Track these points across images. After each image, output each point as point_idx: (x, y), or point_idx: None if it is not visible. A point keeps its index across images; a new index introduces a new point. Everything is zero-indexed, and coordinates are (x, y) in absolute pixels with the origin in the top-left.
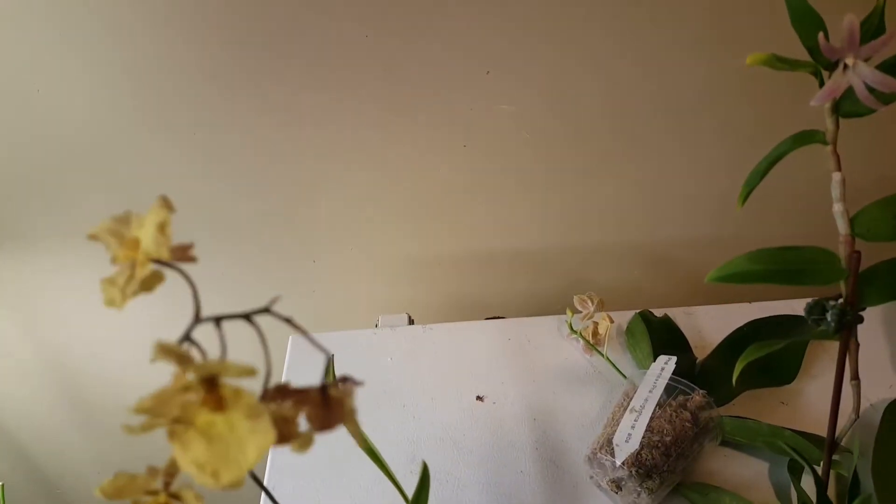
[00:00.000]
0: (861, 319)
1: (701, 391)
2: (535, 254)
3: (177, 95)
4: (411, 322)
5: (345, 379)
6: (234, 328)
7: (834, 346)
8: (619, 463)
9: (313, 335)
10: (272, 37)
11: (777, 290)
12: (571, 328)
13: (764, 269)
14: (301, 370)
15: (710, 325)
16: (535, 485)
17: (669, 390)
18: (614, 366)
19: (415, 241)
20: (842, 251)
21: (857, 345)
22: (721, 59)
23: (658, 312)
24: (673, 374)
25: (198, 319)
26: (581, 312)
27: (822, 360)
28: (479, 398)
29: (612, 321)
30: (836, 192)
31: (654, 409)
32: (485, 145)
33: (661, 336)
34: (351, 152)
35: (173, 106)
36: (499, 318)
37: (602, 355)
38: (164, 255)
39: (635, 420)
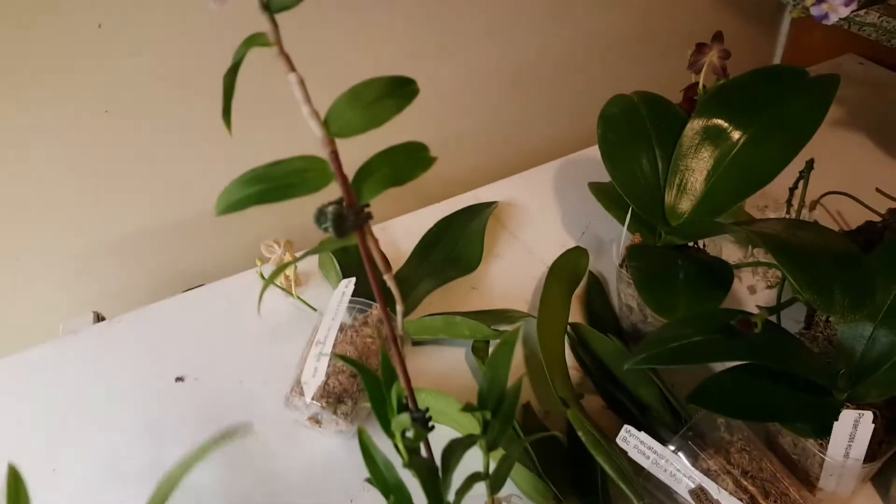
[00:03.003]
0: (367, 218)
1: (377, 304)
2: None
3: None
4: (100, 319)
5: None
6: None
7: (513, 224)
8: (309, 400)
9: None
10: None
11: (465, 182)
12: (263, 277)
13: (258, 190)
14: None
15: (405, 235)
16: (255, 448)
17: (355, 314)
18: (308, 304)
19: (79, 230)
20: (325, 154)
21: (376, 240)
22: None
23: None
24: (364, 293)
25: None
26: (270, 259)
27: (502, 238)
28: (178, 379)
29: (294, 258)
30: (297, 93)
31: (337, 336)
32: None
33: (356, 258)
34: None
35: None
36: (199, 286)
37: (294, 297)
38: None
39: (320, 352)
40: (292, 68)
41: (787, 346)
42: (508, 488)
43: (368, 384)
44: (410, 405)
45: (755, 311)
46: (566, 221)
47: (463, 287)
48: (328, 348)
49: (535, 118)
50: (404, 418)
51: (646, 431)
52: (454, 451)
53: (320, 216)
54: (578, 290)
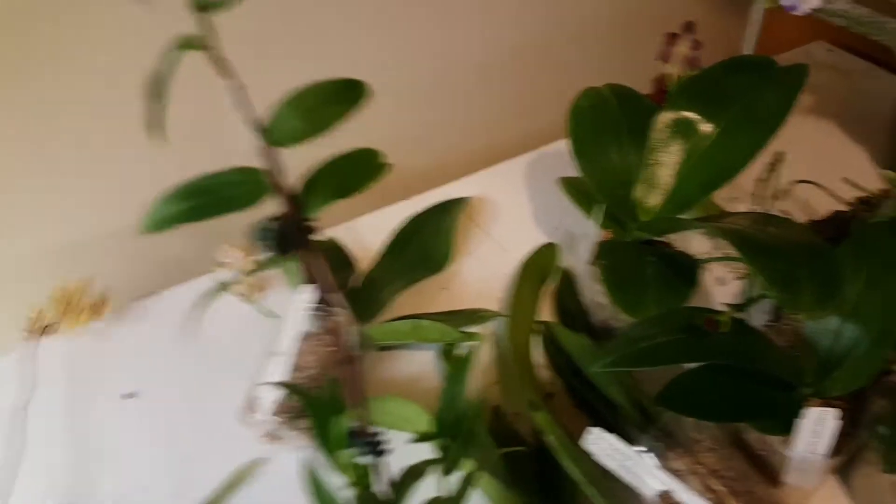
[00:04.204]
0: (312, 233)
1: (342, 311)
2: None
3: None
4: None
5: None
6: None
7: (485, 220)
8: (266, 415)
9: None
10: None
11: (438, 176)
12: (221, 284)
13: (188, 206)
14: None
15: (374, 234)
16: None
17: (318, 321)
18: (268, 312)
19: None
20: (265, 164)
21: (318, 255)
22: None
23: (321, 237)
24: (335, 295)
25: None
26: (229, 264)
27: (474, 235)
28: (128, 395)
29: (255, 264)
30: (234, 100)
31: (297, 346)
32: None
33: (329, 260)
34: None
35: None
36: (151, 294)
37: (254, 303)
38: None
39: (279, 363)
40: (229, 74)
41: (754, 343)
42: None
43: (311, 412)
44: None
45: (725, 301)
46: (539, 217)
47: (433, 287)
48: (288, 360)
49: (508, 110)
50: (348, 454)
51: (615, 431)
52: (408, 479)
53: (261, 233)
54: (550, 288)
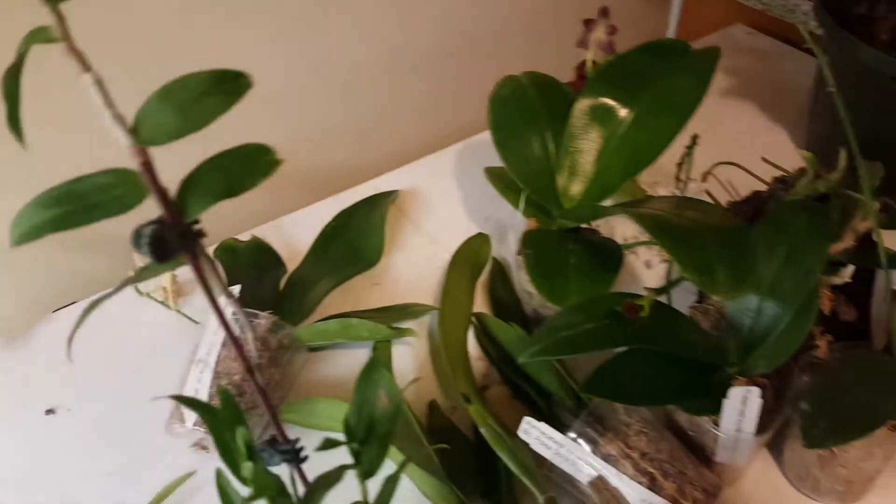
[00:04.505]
0: (196, 238)
1: (264, 313)
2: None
3: None
4: None
5: None
6: None
7: (416, 213)
8: (190, 425)
9: None
10: None
11: (368, 170)
12: (139, 291)
13: (55, 214)
14: None
15: (302, 232)
16: (139, 480)
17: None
18: (189, 318)
19: None
20: (136, 164)
21: (211, 261)
22: None
23: (244, 236)
24: (252, 301)
25: None
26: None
27: (405, 229)
28: (49, 411)
29: (173, 269)
30: (95, 96)
31: (220, 352)
32: None
33: (251, 260)
34: None
35: None
36: (69, 305)
37: (174, 309)
38: None
39: (201, 371)
40: (86, 67)
41: (677, 326)
42: (412, 494)
43: (209, 425)
44: (279, 437)
45: (651, 284)
46: (470, 207)
47: (365, 283)
48: (210, 367)
49: (437, 102)
50: (250, 467)
51: (550, 419)
52: (320, 487)
53: (137, 238)
54: (483, 278)
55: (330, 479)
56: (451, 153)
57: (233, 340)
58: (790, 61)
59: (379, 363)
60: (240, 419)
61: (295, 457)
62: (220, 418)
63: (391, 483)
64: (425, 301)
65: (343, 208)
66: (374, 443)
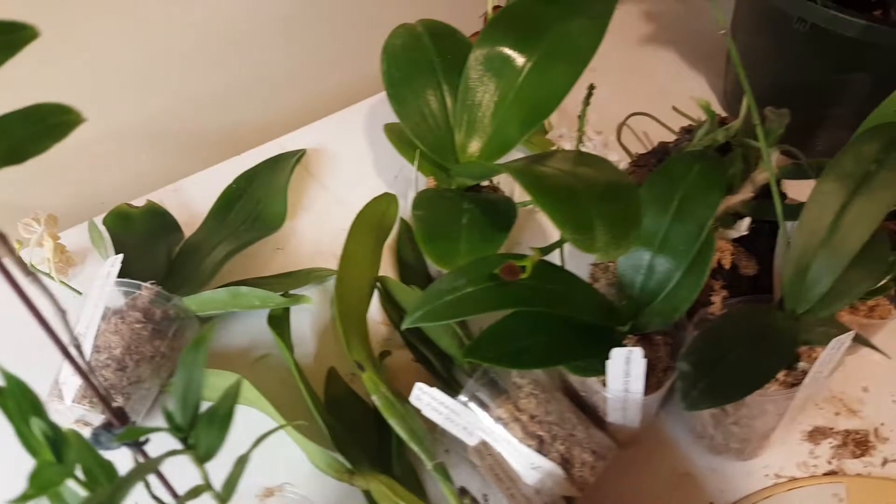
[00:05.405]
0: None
1: (146, 283)
2: None
3: None
4: None
5: None
6: None
7: (322, 173)
8: (69, 402)
9: None
10: None
11: (272, 130)
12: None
13: None
14: None
15: (201, 195)
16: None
17: (125, 296)
18: (74, 290)
19: None
20: None
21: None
22: None
23: (140, 202)
24: (135, 272)
25: None
26: (31, 239)
27: (311, 190)
28: None
29: (57, 238)
30: None
31: (100, 325)
32: None
33: (145, 226)
34: None
35: None
36: None
37: (58, 281)
38: None
39: (79, 345)
40: None
41: (565, 285)
42: (303, 464)
43: (6, 413)
44: (112, 420)
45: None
46: (379, 166)
47: (267, 248)
48: (89, 340)
49: (344, 55)
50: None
51: (450, 383)
52: (132, 478)
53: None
54: (390, 241)
55: (147, 468)
56: (363, 108)
57: (140, 309)
58: (709, 4)
59: (202, 341)
60: (37, 407)
61: (136, 443)
62: (14, 406)
63: (240, 464)
64: (331, 266)
65: (245, 170)
66: (209, 423)
